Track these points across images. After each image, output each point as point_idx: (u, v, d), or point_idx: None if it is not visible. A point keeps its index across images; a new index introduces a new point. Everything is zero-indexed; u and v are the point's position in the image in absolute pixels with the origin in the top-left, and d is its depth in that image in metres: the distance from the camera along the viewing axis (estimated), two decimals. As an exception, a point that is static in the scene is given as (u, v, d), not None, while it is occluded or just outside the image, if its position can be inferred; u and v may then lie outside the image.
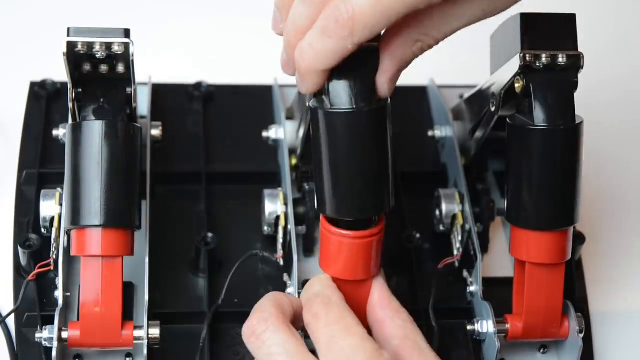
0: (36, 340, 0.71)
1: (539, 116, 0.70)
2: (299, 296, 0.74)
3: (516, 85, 0.71)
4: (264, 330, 0.64)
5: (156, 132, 0.81)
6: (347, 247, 0.67)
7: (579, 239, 0.80)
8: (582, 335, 0.75)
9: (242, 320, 0.69)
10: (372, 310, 0.68)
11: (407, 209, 0.83)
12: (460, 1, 0.61)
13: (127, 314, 0.72)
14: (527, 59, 0.70)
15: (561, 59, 0.70)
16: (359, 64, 0.63)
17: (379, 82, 0.64)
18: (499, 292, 0.78)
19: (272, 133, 0.83)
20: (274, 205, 0.78)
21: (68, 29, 0.68)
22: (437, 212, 0.81)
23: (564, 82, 0.70)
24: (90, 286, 0.69)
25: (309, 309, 0.66)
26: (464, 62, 0.95)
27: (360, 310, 0.68)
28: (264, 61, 0.93)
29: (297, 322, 0.67)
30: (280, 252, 0.78)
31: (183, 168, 0.84)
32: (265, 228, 0.79)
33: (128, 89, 0.72)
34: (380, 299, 0.68)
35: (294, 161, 0.82)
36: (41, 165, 0.82)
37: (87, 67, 0.71)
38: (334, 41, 0.61)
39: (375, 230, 0.67)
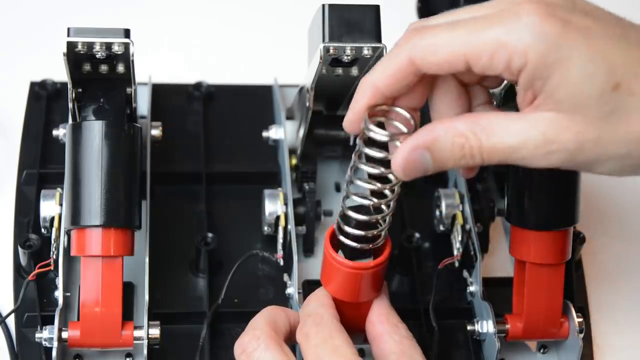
0: (36, 340, 0.71)
1: (539, 116, 0.70)
2: (299, 296, 0.74)
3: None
4: (254, 349, 0.64)
5: (156, 132, 0.81)
6: (344, 275, 0.66)
7: (579, 239, 0.80)
8: (582, 335, 0.75)
9: (242, 320, 0.69)
10: (370, 326, 0.68)
11: (407, 209, 0.83)
12: None
13: (127, 314, 0.72)
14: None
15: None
16: None
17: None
18: (499, 292, 0.78)
19: (272, 133, 0.83)
20: (274, 205, 0.78)
21: (68, 29, 0.68)
22: (437, 212, 0.81)
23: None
24: (90, 286, 0.69)
25: (301, 327, 0.66)
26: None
27: (359, 325, 0.68)
28: (264, 61, 0.94)
29: (293, 338, 0.67)
30: (280, 252, 0.78)
31: (183, 168, 0.84)
32: (265, 228, 0.79)
33: (128, 89, 0.72)
34: (379, 314, 0.68)
35: (294, 161, 0.82)
36: (41, 165, 0.82)
37: (87, 67, 0.71)
38: None
39: (376, 262, 0.66)
